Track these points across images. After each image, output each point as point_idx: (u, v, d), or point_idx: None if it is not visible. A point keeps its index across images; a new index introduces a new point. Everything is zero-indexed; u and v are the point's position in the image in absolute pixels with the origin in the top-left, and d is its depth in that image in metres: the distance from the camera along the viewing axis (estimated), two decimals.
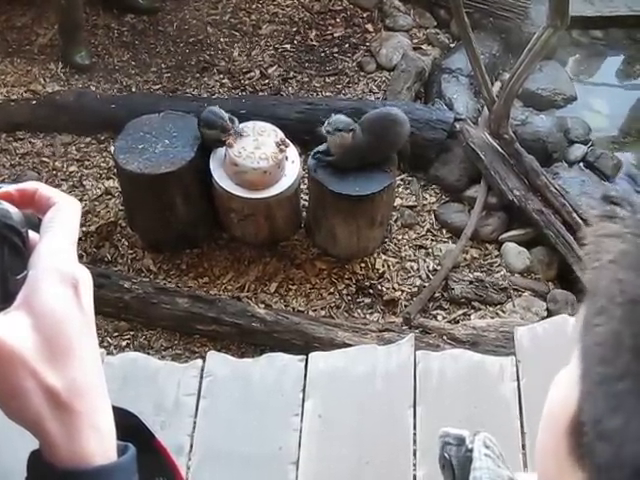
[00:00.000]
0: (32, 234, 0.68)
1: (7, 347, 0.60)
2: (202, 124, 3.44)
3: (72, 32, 4.29)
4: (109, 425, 0.65)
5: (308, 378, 2.54)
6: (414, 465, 2.29)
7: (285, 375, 2.58)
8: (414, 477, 2.30)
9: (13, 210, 0.66)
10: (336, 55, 4.43)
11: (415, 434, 2.37)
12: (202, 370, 2.62)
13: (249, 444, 2.43)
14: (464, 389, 2.47)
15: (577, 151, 4.14)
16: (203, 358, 2.74)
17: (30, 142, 4.06)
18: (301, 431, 2.45)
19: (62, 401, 0.62)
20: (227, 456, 2.41)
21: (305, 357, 2.61)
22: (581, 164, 4.12)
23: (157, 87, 4.29)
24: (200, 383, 2.57)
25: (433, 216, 3.86)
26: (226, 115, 3.41)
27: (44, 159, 4.00)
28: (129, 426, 0.71)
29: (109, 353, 3.34)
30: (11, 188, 0.69)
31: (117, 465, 0.64)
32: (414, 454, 2.32)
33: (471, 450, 0.81)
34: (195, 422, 2.51)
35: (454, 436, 0.83)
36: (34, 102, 4.14)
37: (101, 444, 0.63)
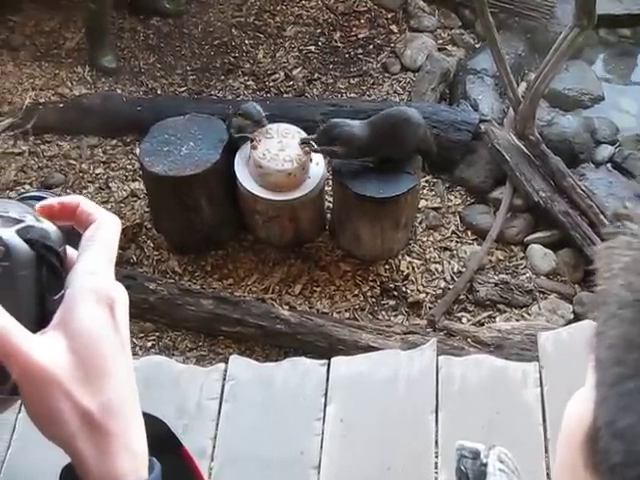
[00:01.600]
0: (70, 250, 0.69)
1: (43, 368, 0.61)
2: (240, 112, 3.46)
3: (99, 36, 4.32)
4: (142, 445, 0.65)
5: (330, 382, 2.54)
6: (436, 470, 2.29)
7: (307, 379, 2.58)
8: None
9: (52, 229, 0.67)
10: (360, 56, 4.42)
11: (437, 439, 2.36)
12: (225, 374, 2.64)
13: (271, 448, 2.44)
14: (486, 395, 2.46)
15: (604, 152, 4.09)
16: (226, 361, 2.75)
17: (57, 144, 4.10)
18: (323, 435, 2.46)
19: (96, 422, 0.62)
20: (249, 460, 2.42)
21: (327, 362, 2.62)
22: (608, 165, 4.07)
23: (182, 89, 4.32)
24: (222, 387, 2.58)
25: (458, 218, 3.84)
26: (264, 114, 3.44)
27: (71, 161, 4.04)
28: (159, 433, 0.72)
29: (134, 354, 3.35)
30: (54, 201, 0.70)
31: None
32: (436, 459, 2.31)
33: (485, 464, 0.81)
34: (217, 426, 2.52)
35: (469, 449, 0.83)
36: (61, 105, 4.18)
37: (134, 465, 0.64)
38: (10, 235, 0.64)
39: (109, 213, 0.70)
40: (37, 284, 0.66)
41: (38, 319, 0.65)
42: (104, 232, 0.68)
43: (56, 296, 0.66)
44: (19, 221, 0.66)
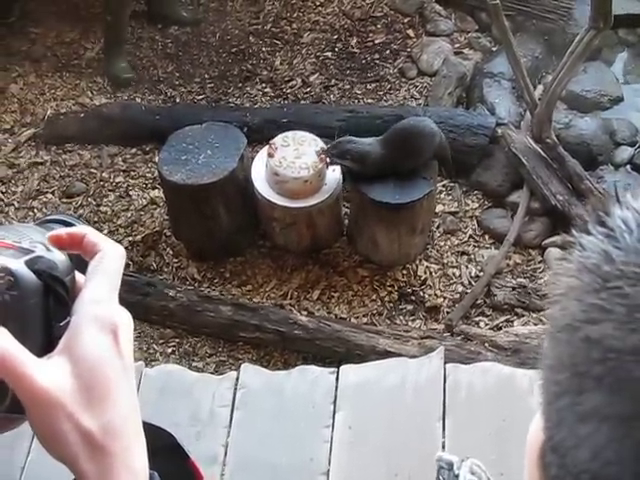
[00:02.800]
0: (79, 276, 0.73)
1: (47, 392, 0.64)
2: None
3: (116, 47, 4.37)
4: (142, 464, 0.68)
5: (339, 390, 2.56)
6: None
7: (316, 387, 2.60)
8: None
9: (60, 259, 0.71)
10: (377, 62, 4.43)
11: (444, 446, 2.37)
12: (236, 382, 2.67)
13: (281, 454, 2.46)
14: (493, 402, 2.46)
15: (623, 153, 4.05)
16: (237, 370, 2.78)
17: (79, 154, 4.16)
18: (332, 442, 2.48)
19: (97, 443, 0.65)
20: (259, 466, 2.45)
21: (336, 370, 2.64)
22: (628, 167, 4.04)
23: (200, 97, 4.35)
24: (234, 395, 2.61)
25: (475, 222, 3.84)
26: None
27: (92, 170, 4.10)
28: (166, 445, 0.76)
29: (155, 360, 3.42)
30: (62, 231, 0.74)
31: None
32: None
33: (457, 476, 0.83)
34: (229, 432, 2.55)
35: (446, 461, 0.86)
36: (82, 115, 4.24)
37: None
38: (19, 266, 0.68)
39: (114, 243, 0.74)
40: (44, 312, 0.69)
41: (44, 344, 0.69)
42: (108, 262, 0.72)
43: (62, 323, 0.69)
44: (29, 251, 0.70)
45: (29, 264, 0.69)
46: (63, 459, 0.66)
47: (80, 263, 0.73)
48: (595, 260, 0.51)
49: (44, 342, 0.69)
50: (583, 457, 0.50)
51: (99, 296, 0.69)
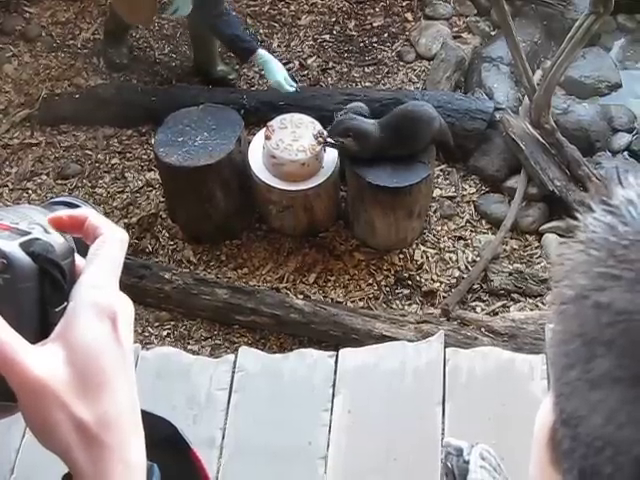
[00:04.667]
0: (80, 259, 0.70)
1: (40, 380, 0.61)
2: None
3: (116, 34, 4.31)
4: (139, 458, 0.65)
5: (338, 374, 2.56)
6: (442, 461, 2.29)
7: (315, 371, 2.60)
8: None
9: (57, 242, 0.68)
10: (375, 45, 4.40)
11: (444, 431, 2.37)
12: (234, 365, 2.66)
13: (279, 438, 2.46)
14: (493, 387, 2.47)
15: (621, 140, 4.05)
16: (236, 352, 2.77)
17: (74, 135, 4.13)
18: (330, 426, 2.48)
19: (91, 434, 0.62)
20: (257, 449, 2.44)
21: (335, 353, 2.63)
22: (625, 153, 4.04)
23: (197, 79, 4.32)
24: (232, 378, 2.61)
25: (472, 207, 3.83)
26: None
27: (87, 152, 4.07)
28: (167, 435, 0.73)
29: (150, 343, 3.41)
30: (63, 214, 0.71)
31: None
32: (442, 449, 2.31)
33: (467, 462, 0.82)
34: (227, 416, 2.54)
35: (454, 447, 0.85)
36: (77, 96, 4.21)
37: (128, 477, 0.64)
38: (13, 248, 0.65)
39: (116, 227, 0.70)
40: (39, 296, 0.66)
41: (39, 331, 0.66)
42: (109, 246, 0.68)
43: (58, 308, 0.66)
44: (26, 233, 0.67)
45: (24, 246, 0.65)
46: (55, 450, 0.63)
47: (84, 247, 0.71)
48: (601, 234, 0.52)
49: (39, 328, 0.66)
50: (596, 423, 0.50)
51: (98, 281, 0.66)
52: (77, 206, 0.75)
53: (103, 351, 0.64)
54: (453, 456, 0.83)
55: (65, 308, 0.66)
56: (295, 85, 3.76)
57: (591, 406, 0.50)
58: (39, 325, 0.66)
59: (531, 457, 0.63)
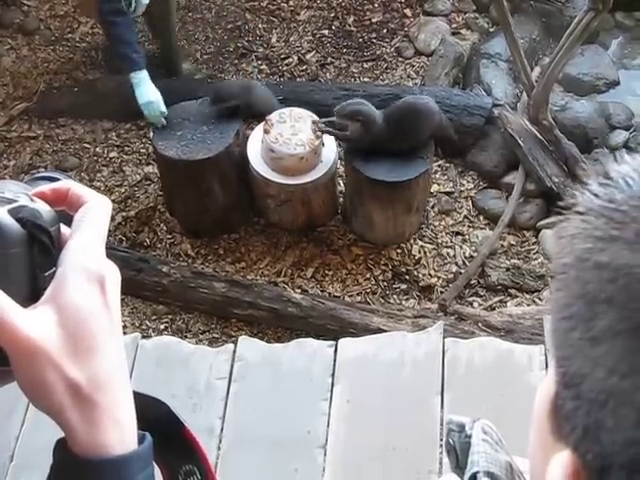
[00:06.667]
0: (66, 229, 0.70)
1: (32, 341, 0.62)
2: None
3: None
4: (129, 418, 0.66)
5: (337, 364, 2.56)
6: (440, 451, 2.30)
7: (314, 360, 2.61)
8: (440, 463, 2.31)
9: (44, 209, 0.69)
10: (374, 40, 4.41)
11: (442, 420, 2.38)
12: (233, 354, 2.66)
13: (278, 427, 2.47)
14: (492, 377, 2.47)
15: (618, 137, 4.07)
16: (235, 342, 2.77)
17: (72, 128, 4.13)
18: (329, 416, 2.48)
19: (83, 394, 0.63)
20: (257, 438, 2.45)
21: (334, 343, 2.64)
22: (623, 150, 4.05)
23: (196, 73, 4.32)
24: (231, 367, 2.61)
25: (470, 202, 3.84)
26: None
27: (85, 145, 4.07)
28: (159, 414, 0.73)
29: (147, 336, 3.40)
30: (45, 188, 0.72)
31: (134, 454, 0.65)
32: (441, 440, 2.32)
33: (470, 436, 0.83)
34: (226, 405, 2.55)
35: (456, 423, 0.85)
36: (76, 89, 4.20)
37: (120, 436, 0.65)
38: (1, 214, 0.66)
39: (99, 194, 0.71)
40: (28, 262, 0.67)
41: (29, 295, 0.66)
42: (94, 212, 0.70)
43: (47, 273, 0.67)
44: (12, 201, 0.68)
45: (12, 213, 0.66)
46: (47, 410, 0.64)
47: (68, 220, 0.71)
48: (599, 202, 0.52)
49: (29, 293, 0.66)
50: (599, 377, 0.50)
51: (86, 247, 0.67)
52: (58, 179, 0.75)
53: (92, 313, 0.65)
54: (455, 432, 0.83)
55: (54, 273, 0.66)
56: (165, 112, 3.55)
57: (594, 361, 0.50)
58: (29, 290, 0.67)
59: (530, 435, 0.62)
